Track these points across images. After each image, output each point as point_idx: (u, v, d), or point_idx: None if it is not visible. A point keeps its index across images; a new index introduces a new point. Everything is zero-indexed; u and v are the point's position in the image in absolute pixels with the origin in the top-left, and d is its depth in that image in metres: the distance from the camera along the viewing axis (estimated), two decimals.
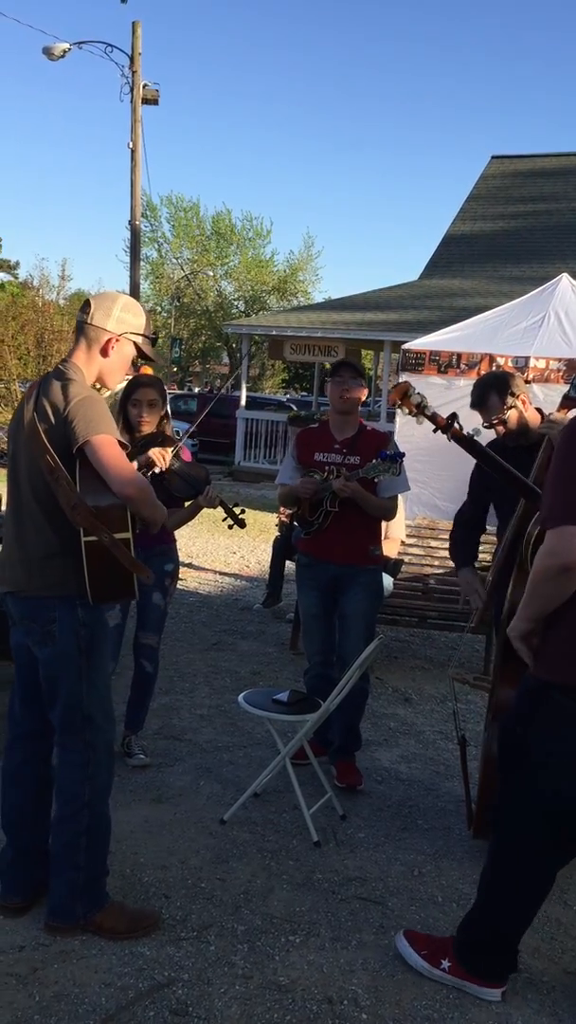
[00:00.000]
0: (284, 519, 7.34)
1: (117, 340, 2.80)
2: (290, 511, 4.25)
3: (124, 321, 2.80)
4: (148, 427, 4.01)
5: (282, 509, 7.45)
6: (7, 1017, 2.48)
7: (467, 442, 3.33)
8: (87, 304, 2.81)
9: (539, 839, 2.59)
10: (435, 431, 3.33)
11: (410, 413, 3.32)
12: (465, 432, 3.33)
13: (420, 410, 3.29)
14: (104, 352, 2.80)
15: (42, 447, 2.67)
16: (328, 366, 24.71)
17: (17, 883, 2.94)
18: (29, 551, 2.77)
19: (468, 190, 21.86)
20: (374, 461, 3.80)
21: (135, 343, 2.85)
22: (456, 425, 3.30)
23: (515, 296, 11.49)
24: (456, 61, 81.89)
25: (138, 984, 2.65)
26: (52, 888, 2.87)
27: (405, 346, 10.69)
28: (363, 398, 4.06)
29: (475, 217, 21.06)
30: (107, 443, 2.64)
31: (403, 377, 10.65)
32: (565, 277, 10.20)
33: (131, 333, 2.83)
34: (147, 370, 3.00)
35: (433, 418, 3.30)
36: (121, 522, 2.67)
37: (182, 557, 8.29)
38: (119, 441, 2.70)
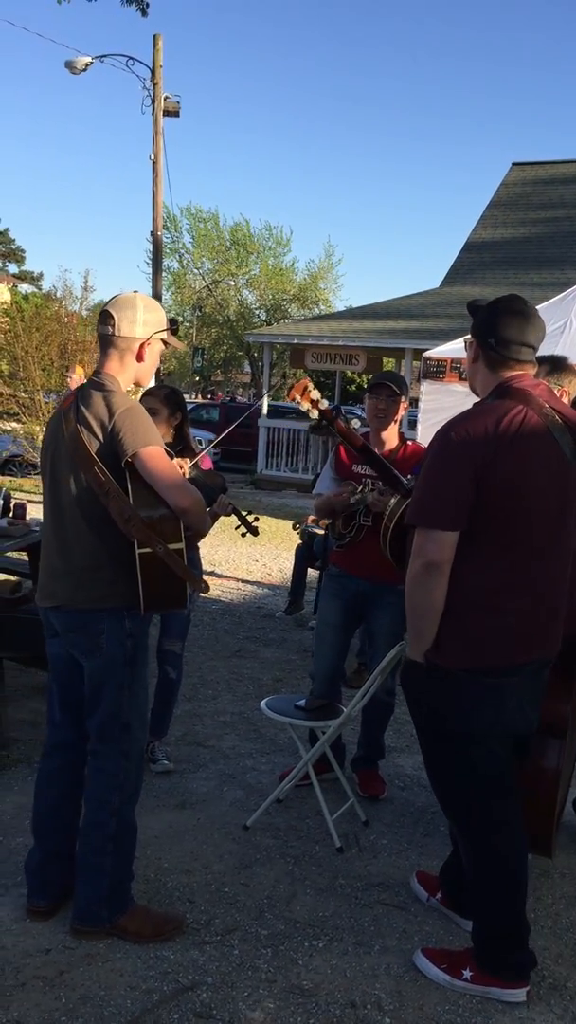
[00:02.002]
0: (306, 526, 7.36)
1: (148, 343, 2.83)
2: (325, 523, 4.26)
3: (149, 323, 2.83)
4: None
5: (307, 517, 7.48)
6: (34, 1019, 2.52)
7: (345, 434, 3.57)
8: (108, 316, 2.80)
9: (490, 798, 2.72)
10: (322, 422, 3.57)
11: (311, 407, 3.52)
12: (350, 426, 3.61)
13: (314, 404, 3.51)
14: (139, 358, 2.83)
15: (89, 460, 2.68)
16: (350, 374, 24.83)
17: (44, 887, 2.98)
18: (74, 564, 2.78)
19: (489, 197, 21.85)
20: (410, 476, 3.79)
21: (162, 339, 2.89)
22: (340, 419, 3.56)
23: (536, 303, 11.37)
24: (476, 70, 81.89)
25: (162, 987, 2.68)
26: (78, 892, 2.90)
27: (426, 354, 10.71)
28: (402, 412, 4.06)
29: (496, 224, 21.04)
30: (157, 455, 2.66)
31: (424, 386, 10.67)
32: None
33: (157, 332, 2.86)
34: (177, 344, 3.03)
35: (323, 412, 3.52)
36: (174, 533, 2.69)
37: (204, 565, 8.34)
38: (167, 451, 2.72)
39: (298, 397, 3.51)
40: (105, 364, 2.83)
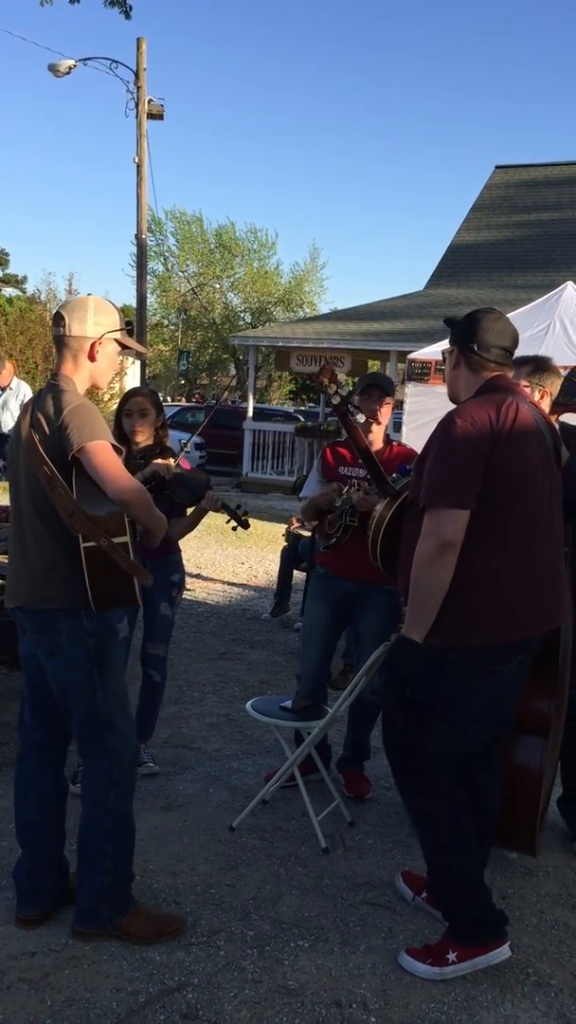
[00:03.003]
0: (292, 529, 7.38)
1: (100, 343, 2.85)
2: (312, 524, 4.25)
3: (100, 323, 2.85)
4: (142, 436, 4.05)
5: (292, 520, 7.50)
6: (20, 1021, 2.51)
7: (352, 429, 3.60)
8: (60, 317, 2.84)
9: (451, 780, 2.85)
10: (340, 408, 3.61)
11: (335, 393, 3.57)
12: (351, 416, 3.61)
13: (337, 391, 3.58)
14: (92, 357, 2.85)
15: (39, 458, 2.71)
16: (343, 377, 24.85)
17: (33, 895, 2.96)
18: (32, 564, 2.80)
19: (473, 200, 21.96)
20: (394, 476, 3.81)
21: (116, 340, 2.91)
22: (350, 415, 3.59)
23: (520, 305, 11.51)
24: (459, 72, 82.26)
25: (148, 988, 2.68)
26: (79, 893, 2.90)
27: (411, 356, 10.74)
28: (389, 413, 4.08)
29: (480, 227, 21.13)
30: (102, 449, 2.67)
31: (409, 388, 10.70)
32: (570, 285, 10.22)
33: (109, 332, 2.87)
34: (133, 345, 3.05)
35: (335, 406, 3.59)
36: (119, 527, 2.70)
37: (190, 568, 8.35)
38: (114, 446, 2.73)
39: (325, 381, 3.60)
40: (61, 366, 2.86)
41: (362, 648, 4.05)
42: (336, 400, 3.58)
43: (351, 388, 4.09)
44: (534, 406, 2.87)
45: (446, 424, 2.71)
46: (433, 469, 2.69)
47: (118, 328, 2.91)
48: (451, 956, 2.80)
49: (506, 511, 2.68)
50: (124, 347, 2.96)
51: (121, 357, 3.17)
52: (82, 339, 2.83)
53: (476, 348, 2.84)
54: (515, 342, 2.90)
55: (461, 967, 2.79)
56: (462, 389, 2.90)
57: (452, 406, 2.86)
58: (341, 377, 3.58)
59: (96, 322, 2.84)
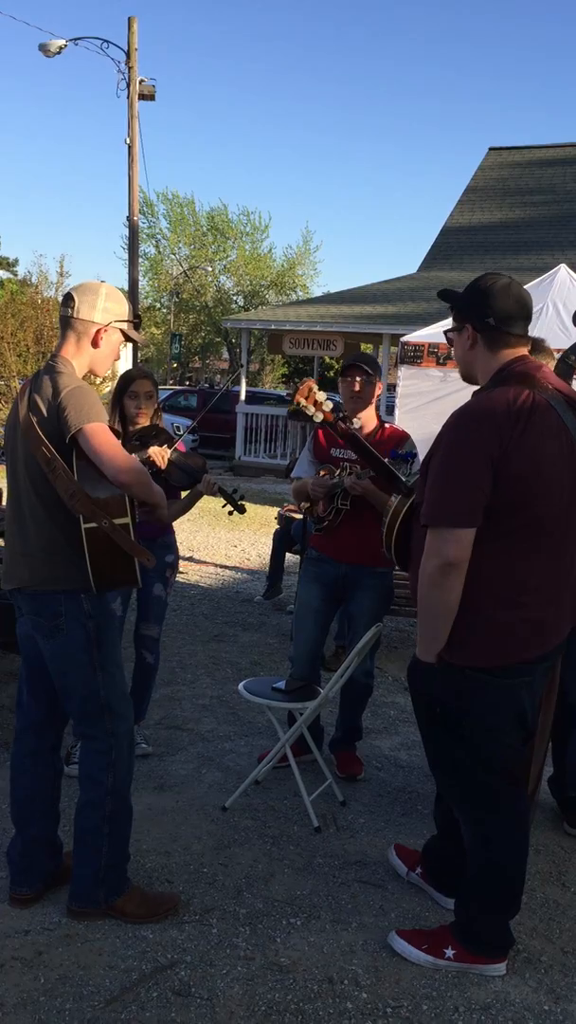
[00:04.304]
0: (284, 512, 7.38)
1: (105, 330, 2.84)
2: (304, 506, 4.23)
3: (109, 311, 2.84)
4: (144, 419, 4.03)
5: (285, 506, 7.50)
6: (13, 999, 2.53)
7: (350, 437, 3.44)
8: (69, 298, 2.83)
9: (500, 788, 2.70)
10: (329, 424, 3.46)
11: (315, 410, 3.40)
12: (349, 428, 3.47)
13: (318, 407, 3.40)
14: (95, 343, 2.84)
15: (37, 440, 2.70)
16: (328, 360, 24.82)
17: (26, 874, 2.98)
18: (31, 546, 2.80)
19: (466, 182, 21.87)
20: (385, 460, 3.80)
21: (121, 330, 2.90)
22: (342, 422, 3.44)
23: None
24: (452, 53, 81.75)
25: (142, 966, 2.70)
26: (75, 873, 2.91)
27: (404, 339, 10.71)
28: (377, 394, 4.06)
29: (473, 209, 21.05)
30: (99, 430, 2.66)
31: (402, 370, 10.69)
32: (563, 268, 10.21)
33: (117, 321, 2.87)
34: (136, 337, 3.01)
35: (325, 417, 3.42)
36: (120, 508, 2.70)
37: (183, 551, 8.35)
38: (111, 428, 2.72)
39: (303, 401, 3.44)
40: (62, 347, 2.85)
41: (355, 630, 4.06)
42: (319, 418, 3.47)
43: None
44: (558, 391, 2.54)
45: (451, 429, 2.49)
46: (434, 484, 2.48)
47: (126, 319, 2.90)
48: (449, 952, 2.77)
49: (522, 519, 2.46)
50: (128, 339, 2.95)
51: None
52: (88, 323, 2.82)
53: (494, 322, 2.53)
54: (531, 308, 2.60)
55: (453, 966, 2.77)
56: (480, 372, 2.62)
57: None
58: (320, 395, 3.40)
59: (105, 308, 2.83)
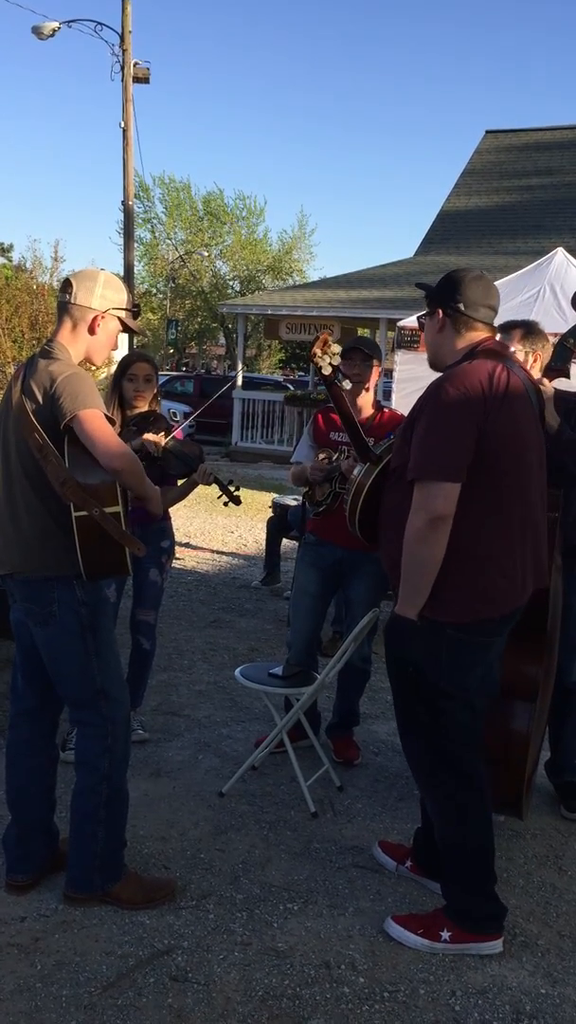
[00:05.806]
0: (277, 499, 7.36)
1: (103, 317, 2.81)
2: (304, 491, 4.20)
3: (107, 298, 2.82)
4: (143, 403, 4.00)
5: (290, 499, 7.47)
6: (10, 985, 2.53)
7: (338, 399, 3.35)
8: (68, 284, 2.81)
9: (477, 759, 2.79)
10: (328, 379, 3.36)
11: (329, 363, 3.33)
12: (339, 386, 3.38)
13: (330, 357, 3.33)
14: (91, 330, 2.81)
15: (30, 426, 2.68)
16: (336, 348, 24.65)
17: (22, 860, 2.97)
18: (24, 532, 2.78)
19: (463, 166, 21.74)
20: (382, 442, 3.78)
21: (119, 318, 2.87)
22: (337, 383, 3.33)
23: (510, 271, 11.45)
24: (449, 36, 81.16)
25: (138, 952, 2.70)
26: (71, 859, 2.91)
27: (400, 323, 10.66)
28: (375, 378, 4.03)
29: (470, 193, 20.95)
30: (94, 417, 2.64)
31: (399, 355, 10.64)
32: (560, 251, 10.15)
33: (115, 309, 2.84)
34: (134, 326, 2.98)
35: (325, 376, 3.33)
36: (111, 496, 2.68)
37: (179, 537, 8.33)
38: (106, 416, 2.70)
39: (318, 352, 3.38)
40: (58, 332, 2.82)
41: (352, 615, 4.05)
42: (328, 371, 3.49)
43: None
44: (522, 370, 2.78)
45: (435, 392, 2.61)
46: (423, 440, 2.59)
47: (124, 307, 2.87)
48: (445, 935, 2.78)
49: (501, 481, 2.60)
50: (126, 328, 2.92)
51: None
52: (86, 309, 2.79)
53: (463, 307, 2.72)
54: (499, 301, 2.79)
55: (451, 948, 2.77)
56: (447, 353, 2.77)
57: (439, 374, 2.76)
58: (335, 348, 3.39)
59: (103, 295, 2.81)
